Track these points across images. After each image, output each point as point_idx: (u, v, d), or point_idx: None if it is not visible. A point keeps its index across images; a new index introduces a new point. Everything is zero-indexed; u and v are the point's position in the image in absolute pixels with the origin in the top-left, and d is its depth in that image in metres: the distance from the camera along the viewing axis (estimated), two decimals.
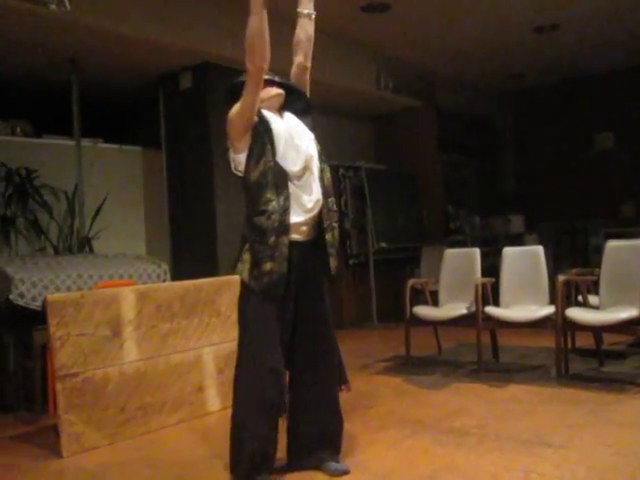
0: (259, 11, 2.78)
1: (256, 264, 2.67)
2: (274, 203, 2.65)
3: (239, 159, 2.78)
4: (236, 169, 2.82)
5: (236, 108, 2.75)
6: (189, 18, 5.62)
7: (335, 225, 2.85)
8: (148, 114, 6.78)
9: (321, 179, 2.85)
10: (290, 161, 2.71)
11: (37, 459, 3.52)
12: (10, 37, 5.21)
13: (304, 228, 2.77)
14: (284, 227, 2.65)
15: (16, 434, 4.03)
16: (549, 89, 9.77)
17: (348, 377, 3.03)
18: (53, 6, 4.63)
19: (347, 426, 3.08)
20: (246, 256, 2.73)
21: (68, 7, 4.70)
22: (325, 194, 2.83)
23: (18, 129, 5.95)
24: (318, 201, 2.78)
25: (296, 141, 2.78)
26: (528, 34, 7.37)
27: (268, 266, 2.64)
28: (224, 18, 5.88)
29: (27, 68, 6.00)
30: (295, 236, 2.73)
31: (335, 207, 2.91)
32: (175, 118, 6.50)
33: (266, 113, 2.85)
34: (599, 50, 8.19)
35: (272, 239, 2.63)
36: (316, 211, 2.78)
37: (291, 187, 2.70)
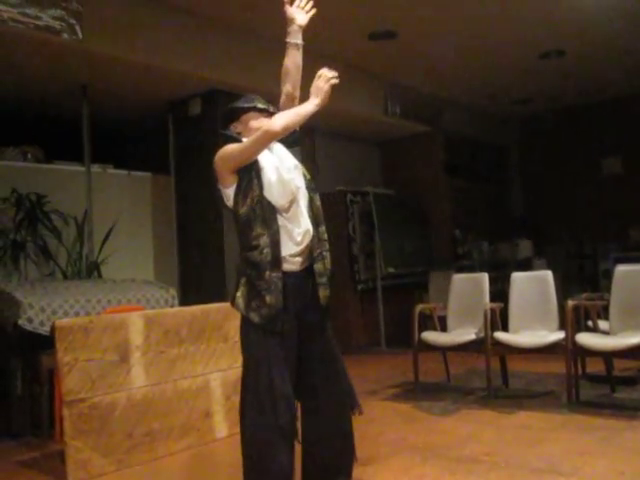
0: (321, 106, 2.93)
1: (253, 297, 2.67)
2: (265, 237, 2.64)
3: (228, 193, 2.79)
4: (227, 202, 2.82)
5: (233, 152, 2.74)
6: (198, 46, 5.70)
7: (326, 254, 2.85)
8: (157, 140, 6.85)
9: (310, 208, 2.83)
10: (277, 195, 2.68)
11: None
12: (23, 65, 5.29)
13: (298, 259, 2.75)
14: (276, 260, 2.64)
15: (22, 459, 4.01)
16: (556, 114, 9.80)
17: (359, 400, 3.00)
18: (65, 35, 4.72)
19: (357, 453, 3.05)
20: (243, 289, 2.72)
21: (80, 36, 4.79)
22: (315, 223, 2.82)
23: (29, 155, 6.01)
24: (308, 232, 2.76)
25: (284, 175, 2.74)
26: (534, 60, 7.42)
27: (266, 299, 2.63)
28: (232, 46, 5.96)
29: (39, 95, 6.09)
30: (290, 267, 2.72)
31: (326, 236, 2.89)
32: (184, 144, 6.57)
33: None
34: (605, 76, 8.23)
35: (267, 273, 2.63)
36: (307, 242, 2.76)
37: (280, 220, 2.69)
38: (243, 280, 2.72)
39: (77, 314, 4.57)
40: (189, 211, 6.48)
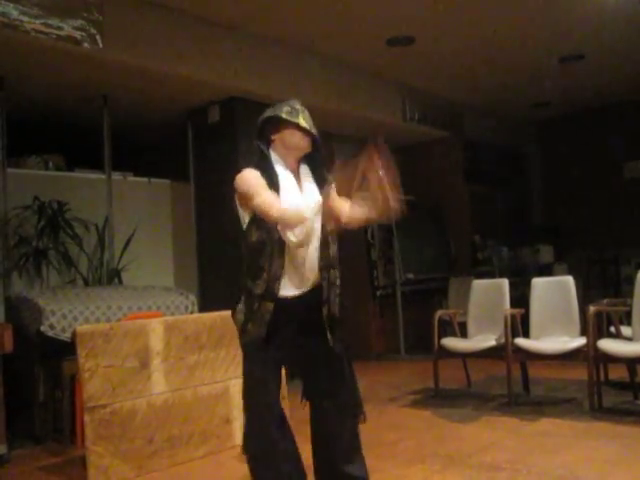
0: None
1: (242, 321, 2.67)
2: (265, 274, 2.59)
3: (243, 216, 2.74)
4: (241, 222, 2.77)
5: (247, 193, 2.63)
6: (217, 54, 5.74)
7: (334, 299, 2.74)
8: (177, 148, 6.90)
9: (324, 251, 2.70)
10: (290, 232, 2.58)
11: None
12: (45, 75, 5.37)
13: (298, 293, 2.68)
14: (271, 295, 2.59)
15: (44, 465, 4.05)
16: (576, 118, 9.72)
17: (363, 408, 2.93)
18: (86, 44, 4.78)
19: (375, 460, 3.04)
20: (239, 308, 2.71)
21: (100, 45, 4.85)
22: (327, 266, 2.71)
23: (50, 163, 6.09)
24: (314, 274, 2.68)
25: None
26: (553, 64, 7.37)
27: (249, 326, 2.62)
28: (251, 54, 6.00)
29: (61, 104, 6.16)
30: (287, 294, 2.65)
31: (338, 281, 2.78)
32: (203, 151, 6.61)
33: (279, 170, 2.68)
34: (625, 79, 8.15)
35: (256, 305, 2.60)
36: (310, 286, 2.68)
37: (287, 258, 2.61)
38: (243, 298, 2.69)
39: (98, 320, 4.61)
40: (208, 218, 6.51)
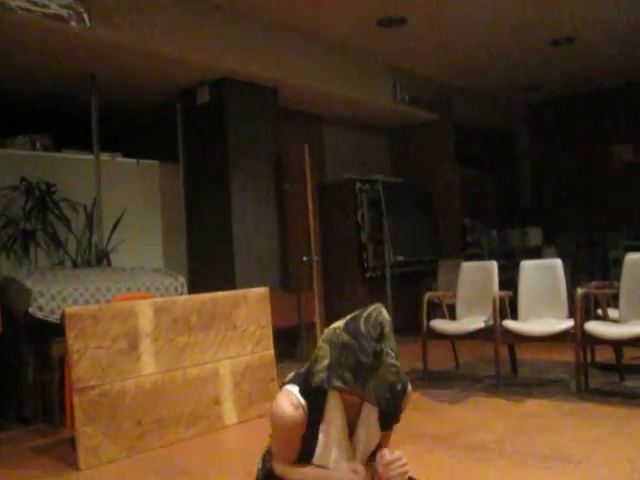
0: None
1: None
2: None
3: None
4: None
5: (276, 433, 2.04)
6: (206, 34, 5.68)
7: None
8: (166, 129, 6.85)
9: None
10: (325, 462, 2.04)
11: (55, 472, 3.53)
12: (32, 54, 5.29)
13: None
14: None
15: (34, 446, 4.05)
16: (566, 101, 9.73)
17: None
18: (73, 23, 4.71)
19: None
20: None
21: (87, 23, 4.78)
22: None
23: (38, 143, 6.02)
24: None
25: (346, 454, 2.04)
26: (544, 47, 7.35)
27: None
28: (241, 34, 5.94)
29: (48, 84, 6.08)
30: None
31: None
32: (192, 133, 6.56)
33: (330, 408, 2.01)
34: (616, 63, 8.15)
35: None
36: None
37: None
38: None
39: (87, 302, 4.60)
40: (198, 199, 6.48)
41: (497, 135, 9.92)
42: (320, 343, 1.98)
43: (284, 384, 2.07)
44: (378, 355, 1.85)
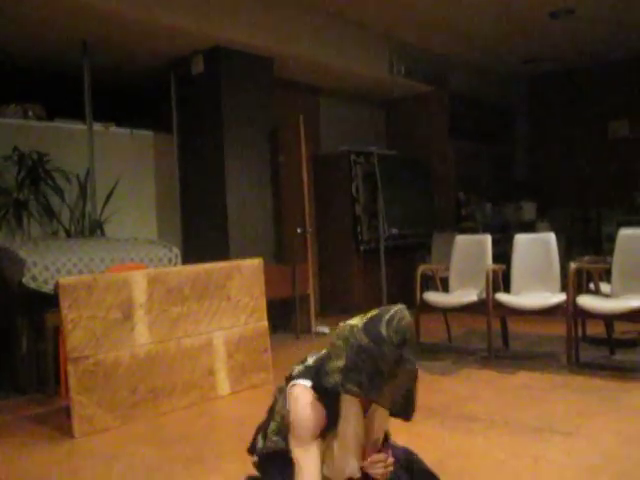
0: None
1: None
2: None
3: None
4: None
5: (297, 428, 1.93)
6: (201, 1, 5.59)
7: None
8: (160, 99, 6.79)
9: None
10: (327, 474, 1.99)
11: (50, 439, 3.56)
12: (23, 20, 5.21)
13: None
14: None
15: (29, 415, 4.08)
16: (564, 75, 9.66)
17: None
18: None
19: None
20: None
21: None
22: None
23: (30, 113, 5.96)
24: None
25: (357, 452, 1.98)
26: (543, 19, 7.28)
27: None
28: (236, 1, 5.85)
29: (39, 51, 6.00)
30: None
31: None
32: (187, 103, 6.50)
33: (346, 404, 1.94)
34: (614, 36, 8.08)
35: None
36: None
37: None
38: None
39: (80, 272, 4.60)
40: (192, 170, 6.45)
41: (494, 108, 9.87)
42: (335, 339, 1.90)
43: (293, 377, 2.01)
44: (399, 363, 1.79)
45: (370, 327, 1.82)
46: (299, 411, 1.90)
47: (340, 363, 1.84)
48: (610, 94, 9.22)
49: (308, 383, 1.95)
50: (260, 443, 2.15)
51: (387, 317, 1.82)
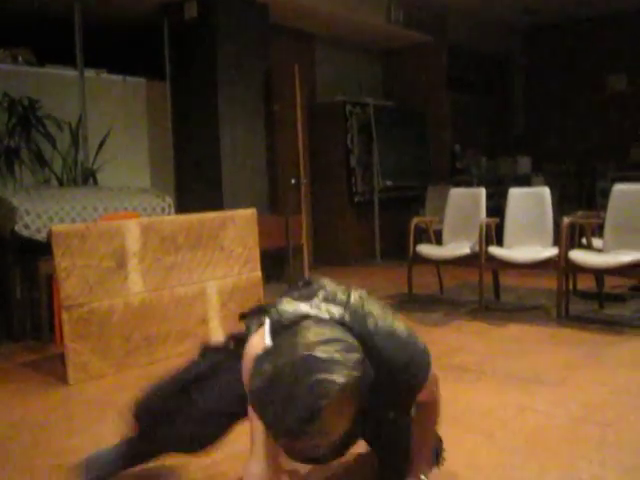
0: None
1: None
2: None
3: None
4: None
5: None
6: None
7: None
8: (152, 45, 6.65)
9: None
10: None
11: (44, 386, 3.61)
12: None
13: None
14: None
15: (24, 362, 4.12)
16: (564, 28, 9.51)
17: None
18: None
19: None
20: None
21: None
22: None
23: (20, 58, 5.84)
24: None
25: None
26: None
27: None
28: None
29: None
30: None
31: None
32: (180, 50, 6.38)
33: None
34: None
35: None
36: None
37: None
38: None
39: (73, 221, 4.58)
40: (185, 118, 6.37)
41: (491, 60, 9.73)
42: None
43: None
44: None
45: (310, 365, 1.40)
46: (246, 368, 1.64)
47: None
48: (609, 48, 9.09)
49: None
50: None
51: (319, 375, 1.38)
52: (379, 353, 1.66)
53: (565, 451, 2.49)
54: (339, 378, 1.39)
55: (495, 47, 9.71)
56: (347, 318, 1.67)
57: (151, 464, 2.33)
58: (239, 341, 1.96)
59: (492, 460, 2.43)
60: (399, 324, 1.81)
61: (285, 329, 1.58)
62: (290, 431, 1.38)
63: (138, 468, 2.31)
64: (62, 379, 3.63)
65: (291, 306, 1.72)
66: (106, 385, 3.59)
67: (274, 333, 1.65)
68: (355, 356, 1.47)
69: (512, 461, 2.43)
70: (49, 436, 2.89)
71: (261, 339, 1.68)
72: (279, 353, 1.46)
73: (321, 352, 1.42)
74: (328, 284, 1.86)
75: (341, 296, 1.77)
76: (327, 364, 1.40)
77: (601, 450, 2.48)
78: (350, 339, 1.53)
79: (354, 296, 1.79)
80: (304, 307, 1.70)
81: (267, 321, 1.72)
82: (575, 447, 2.52)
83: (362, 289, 1.86)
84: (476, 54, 9.29)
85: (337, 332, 1.53)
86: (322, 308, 1.71)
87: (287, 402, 1.37)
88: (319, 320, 1.61)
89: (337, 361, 1.41)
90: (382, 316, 1.76)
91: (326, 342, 1.46)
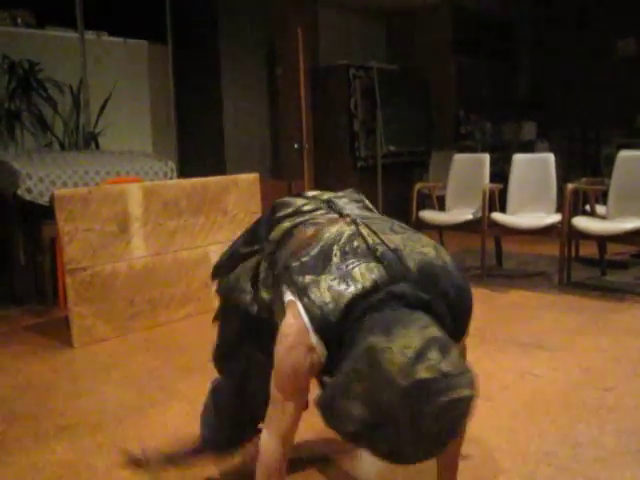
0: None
1: None
2: None
3: None
4: None
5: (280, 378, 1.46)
6: None
7: None
8: (154, 7, 6.54)
9: None
10: None
11: (49, 349, 3.64)
12: None
13: None
14: None
15: (28, 325, 4.15)
16: None
17: None
18: None
19: None
20: None
21: None
22: None
23: (19, 20, 5.75)
24: None
25: None
26: None
27: None
28: None
29: None
30: None
31: None
32: (182, 12, 6.28)
33: None
34: None
35: None
36: None
37: None
38: None
39: (75, 185, 4.57)
40: (187, 82, 6.31)
41: (497, 23, 9.56)
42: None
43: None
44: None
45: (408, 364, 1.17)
46: (283, 357, 1.42)
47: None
48: (619, 12, 8.92)
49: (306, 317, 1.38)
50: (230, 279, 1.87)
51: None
52: (453, 307, 1.49)
53: (564, 415, 2.52)
54: (463, 391, 1.18)
55: (502, 9, 9.53)
56: (406, 287, 1.35)
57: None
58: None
59: (491, 423, 2.46)
60: (443, 253, 1.57)
61: (338, 327, 1.34)
62: (428, 457, 1.25)
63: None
64: (67, 342, 3.66)
65: (324, 292, 1.38)
66: (110, 348, 3.63)
67: (321, 331, 1.36)
68: (455, 352, 1.24)
69: (511, 424, 2.46)
70: (55, 398, 2.93)
71: (301, 327, 1.38)
72: (367, 390, 1.18)
73: (425, 372, 1.16)
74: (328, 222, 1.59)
75: (374, 242, 1.46)
76: (440, 383, 1.16)
77: (600, 414, 2.51)
78: (432, 328, 1.27)
79: (389, 239, 1.46)
80: (342, 287, 1.37)
81: (301, 309, 1.39)
82: (574, 411, 2.55)
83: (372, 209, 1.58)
84: (482, 17, 9.13)
85: (415, 328, 1.24)
86: (357, 276, 1.37)
87: (419, 438, 1.17)
88: (382, 317, 1.29)
89: (448, 374, 1.17)
90: (432, 253, 1.49)
91: (419, 356, 1.17)
